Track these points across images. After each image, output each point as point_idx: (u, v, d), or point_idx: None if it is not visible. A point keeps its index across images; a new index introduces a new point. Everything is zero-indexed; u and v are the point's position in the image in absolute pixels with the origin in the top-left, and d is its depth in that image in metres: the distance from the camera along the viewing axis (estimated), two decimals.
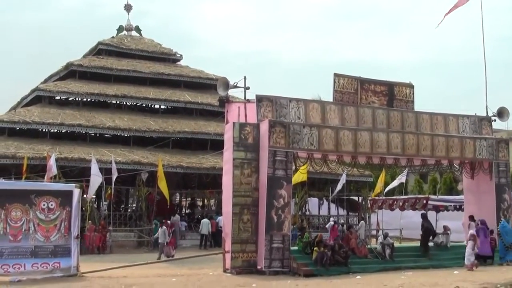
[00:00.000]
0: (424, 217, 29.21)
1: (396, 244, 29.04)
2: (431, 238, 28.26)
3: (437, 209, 36.44)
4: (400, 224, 39.44)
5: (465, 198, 31.22)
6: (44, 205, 21.63)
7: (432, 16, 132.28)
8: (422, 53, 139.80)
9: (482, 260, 26.03)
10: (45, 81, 47.58)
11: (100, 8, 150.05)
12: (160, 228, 31.31)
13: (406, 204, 35.17)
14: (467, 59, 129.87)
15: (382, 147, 25.96)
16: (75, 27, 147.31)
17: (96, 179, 32.76)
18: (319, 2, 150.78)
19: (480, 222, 27.12)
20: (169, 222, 36.09)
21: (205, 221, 37.68)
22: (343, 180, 38.41)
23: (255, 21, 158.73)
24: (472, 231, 25.85)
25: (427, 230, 28.27)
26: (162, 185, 34.46)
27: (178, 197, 51.77)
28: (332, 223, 35.06)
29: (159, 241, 30.84)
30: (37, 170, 34.37)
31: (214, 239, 36.56)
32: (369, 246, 27.75)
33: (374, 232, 40.24)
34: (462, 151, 28.05)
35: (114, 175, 33.87)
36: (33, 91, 44.58)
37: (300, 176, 34.03)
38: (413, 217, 36.33)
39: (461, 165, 29.62)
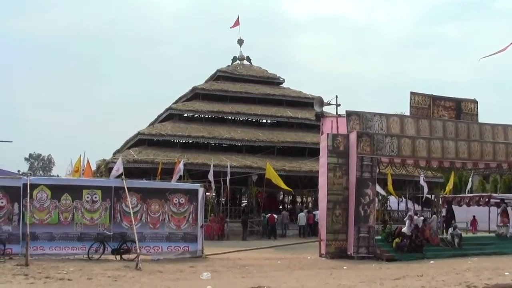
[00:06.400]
0: (448, 202, 28.84)
1: (464, 235, 28.21)
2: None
3: (498, 205, 35.52)
4: (467, 217, 38.52)
5: None
6: (176, 200, 22.20)
7: (493, 40, 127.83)
8: (485, 73, 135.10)
9: None
10: (176, 102, 48.66)
11: (216, 43, 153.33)
12: None
13: (472, 201, 34.46)
14: None
15: (451, 153, 25.39)
16: (197, 58, 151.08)
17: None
18: (394, 32, 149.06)
19: None
20: (275, 216, 36.25)
21: (302, 214, 37.61)
22: (423, 182, 37.60)
23: (342, 49, 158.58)
24: (410, 213, 27.94)
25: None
26: (273, 176, 33.44)
27: (282, 195, 51.98)
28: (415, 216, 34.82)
29: None
30: (170, 172, 35.22)
31: (311, 230, 36.48)
32: (440, 236, 27.11)
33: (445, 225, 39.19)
34: None
35: (229, 177, 34.27)
36: (166, 110, 45.86)
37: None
38: (477, 212, 35.89)
39: None
